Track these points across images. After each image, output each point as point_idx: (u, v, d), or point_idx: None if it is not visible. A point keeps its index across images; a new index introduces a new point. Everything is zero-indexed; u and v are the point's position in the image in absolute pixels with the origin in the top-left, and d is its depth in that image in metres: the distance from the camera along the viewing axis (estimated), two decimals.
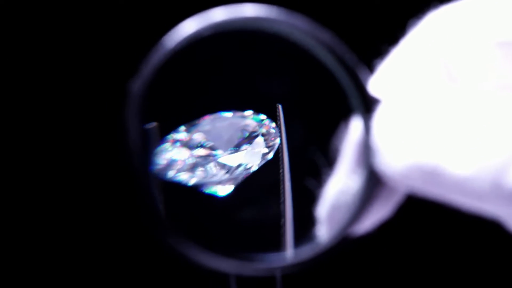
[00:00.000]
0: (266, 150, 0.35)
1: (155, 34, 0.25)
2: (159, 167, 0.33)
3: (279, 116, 0.33)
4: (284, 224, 0.32)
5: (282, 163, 0.34)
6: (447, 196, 0.24)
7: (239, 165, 0.35)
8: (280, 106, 0.33)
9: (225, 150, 0.35)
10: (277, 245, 0.31)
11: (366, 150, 0.25)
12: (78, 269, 0.68)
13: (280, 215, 0.33)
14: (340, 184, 0.26)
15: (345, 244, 0.25)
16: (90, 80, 0.64)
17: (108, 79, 0.62)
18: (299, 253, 0.25)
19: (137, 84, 0.23)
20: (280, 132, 0.33)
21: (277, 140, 0.35)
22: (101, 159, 0.64)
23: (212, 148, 0.34)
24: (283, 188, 0.33)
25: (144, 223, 0.25)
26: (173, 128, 0.34)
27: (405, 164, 0.24)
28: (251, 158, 0.35)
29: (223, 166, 0.35)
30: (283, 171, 0.33)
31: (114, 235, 0.67)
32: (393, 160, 0.24)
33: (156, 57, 0.24)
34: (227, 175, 0.35)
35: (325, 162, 0.28)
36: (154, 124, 0.31)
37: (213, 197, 0.34)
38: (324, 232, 0.27)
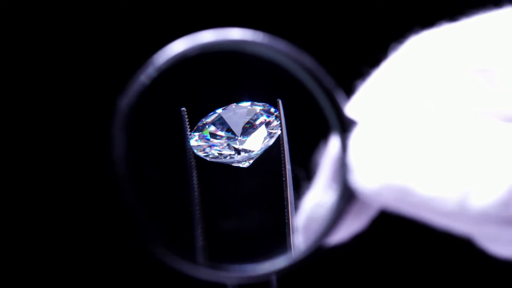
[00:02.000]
0: (268, 139, 0.39)
1: (145, 53, 0.27)
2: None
3: (279, 111, 0.36)
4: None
5: (284, 157, 0.35)
6: (418, 214, 0.25)
7: (247, 150, 0.39)
8: (280, 101, 0.36)
9: (238, 135, 0.39)
10: (258, 253, 0.32)
11: (341, 168, 0.26)
12: (68, 273, 0.69)
13: (261, 224, 0.34)
14: (317, 198, 0.28)
15: (318, 253, 0.27)
16: (80, 93, 0.65)
17: (97, 94, 0.63)
18: (274, 262, 0.27)
19: (124, 101, 0.25)
20: (281, 127, 0.36)
21: (277, 134, 0.38)
22: (89, 170, 0.65)
23: (227, 134, 0.39)
24: (286, 192, 0.35)
25: (133, 239, 0.26)
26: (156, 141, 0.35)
27: (377, 183, 0.25)
28: (255, 144, 0.39)
29: (237, 149, 0.39)
30: (285, 171, 0.35)
31: (103, 240, 0.68)
32: (367, 178, 0.26)
33: (143, 75, 0.25)
34: (241, 156, 0.39)
35: (305, 176, 0.29)
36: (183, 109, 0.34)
37: (195, 207, 0.36)
38: (300, 241, 0.28)
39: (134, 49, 0.61)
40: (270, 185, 0.37)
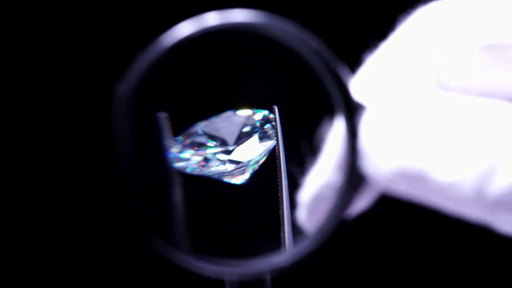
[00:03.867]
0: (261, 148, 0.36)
1: (146, 36, 0.26)
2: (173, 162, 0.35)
3: (275, 117, 0.34)
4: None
5: (279, 164, 0.34)
6: (432, 201, 0.25)
7: (241, 160, 0.36)
8: (276, 108, 0.34)
9: (230, 145, 0.36)
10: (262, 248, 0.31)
11: (350, 151, 0.25)
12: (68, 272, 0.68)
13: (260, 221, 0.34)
14: (325, 178, 0.27)
15: (326, 243, 0.26)
16: (78, 82, 0.64)
17: (96, 80, 0.62)
18: (274, 257, 0.26)
19: (124, 86, 0.24)
20: (277, 133, 0.34)
21: (272, 142, 0.36)
22: (89, 161, 0.65)
23: (219, 144, 0.36)
24: (280, 190, 0.34)
25: (133, 230, 0.25)
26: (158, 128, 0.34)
27: (391, 169, 0.24)
28: (251, 153, 0.36)
29: (230, 160, 0.36)
30: (280, 174, 0.34)
31: (105, 237, 0.67)
32: (380, 164, 0.25)
33: (144, 59, 0.24)
34: (235, 167, 0.36)
35: (309, 152, 0.28)
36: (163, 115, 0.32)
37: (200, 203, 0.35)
38: (303, 219, 0.27)
39: (136, 36, 0.60)
40: (267, 182, 0.36)
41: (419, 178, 0.24)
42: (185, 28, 0.25)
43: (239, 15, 0.25)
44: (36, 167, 0.66)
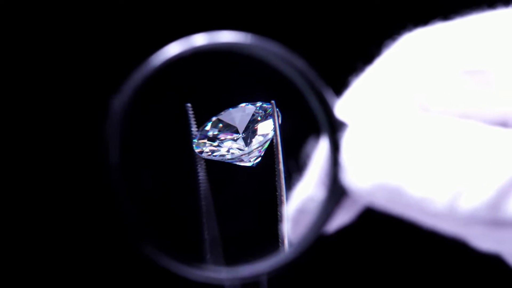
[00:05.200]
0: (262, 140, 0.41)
1: (140, 56, 0.28)
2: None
3: (273, 111, 0.37)
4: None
5: (277, 158, 0.36)
6: (408, 214, 0.26)
7: (249, 148, 0.41)
8: (274, 102, 0.37)
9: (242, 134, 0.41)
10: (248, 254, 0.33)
11: (332, 166, 0.27)
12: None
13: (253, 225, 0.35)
14: (309, 192, 0.28)
15: (308, 251, 0.27)
16: (75, 94, 0.65)
17: (92, 95, 0.64)
18: (265, 262, 0.28)
19: (118, 101, 0.26)
20: (275, 128, 0.37)
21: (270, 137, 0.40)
22: (82, 168, 0.66)
23: (229, 133, 0.41)
24: (279, 188, 0.36)
25: (127, 240, 0.27)
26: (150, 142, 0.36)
27: (370, 183, 0.26)
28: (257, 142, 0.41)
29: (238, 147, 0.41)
30: (278, 169, 0.36)
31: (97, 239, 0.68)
32: (359, 178, 0.26)
33: (138, 75, 0.26)
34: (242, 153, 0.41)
35: (296, 168, 0.30)
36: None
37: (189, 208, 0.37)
38: (289, 232, 0.29)
39: (129, 51, 0.61)
40: (263, 185, 0.38)
41: (395, 192, 0.25)
42: (174, 48, 0.26)
43: (226, 36, 0.27)
44: (32, 170, 0.67)
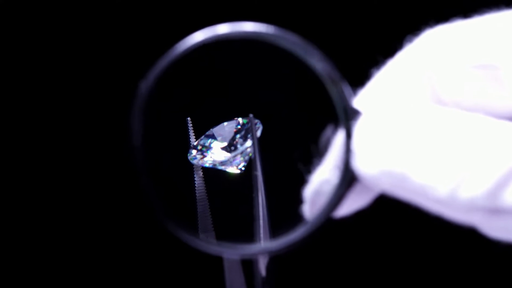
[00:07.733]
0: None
1: (167, 44, 0.29)
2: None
3: (252, 125, 0.39)
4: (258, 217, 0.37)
5: (255, 168, 0.39)
6: (413, 199, 0.28)
7: (236, 156, 0.46)
8: (251, 116, 0.40)
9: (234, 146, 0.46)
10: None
11: (345, 152, 0.29)
12: (81, 264, 0.71)
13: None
14: (325, 175, 0.30)
15: (323, 228, 0.29)
16: (100, 81, 0.67)
17: (118, 80, 0.65)
18: (277, 241, 0.29)
19: (144, 85, 0.27)
20: (253, 141, 0.41)
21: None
22: (105, 153, 0.67)
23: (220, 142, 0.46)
24: (256, 185, 0.38)
25: (149, 215, 0.29)
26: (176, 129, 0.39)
27: (377, 169, 0.27)
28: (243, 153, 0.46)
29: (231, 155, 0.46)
30: (256, 176, 0.39)
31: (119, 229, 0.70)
32: (368, 164, 0.28)
33: (164, 61, 0.28)
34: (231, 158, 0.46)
35: (317, 153, 0.32)
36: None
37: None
38: (306, 211, 0.30)
39: (155, 41, 0.63)
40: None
41: (400, 178, 0.27)
42: (199, 35, 0.28)
43: (248, 26, 0.28)
44: (53, 160, 0.68)
